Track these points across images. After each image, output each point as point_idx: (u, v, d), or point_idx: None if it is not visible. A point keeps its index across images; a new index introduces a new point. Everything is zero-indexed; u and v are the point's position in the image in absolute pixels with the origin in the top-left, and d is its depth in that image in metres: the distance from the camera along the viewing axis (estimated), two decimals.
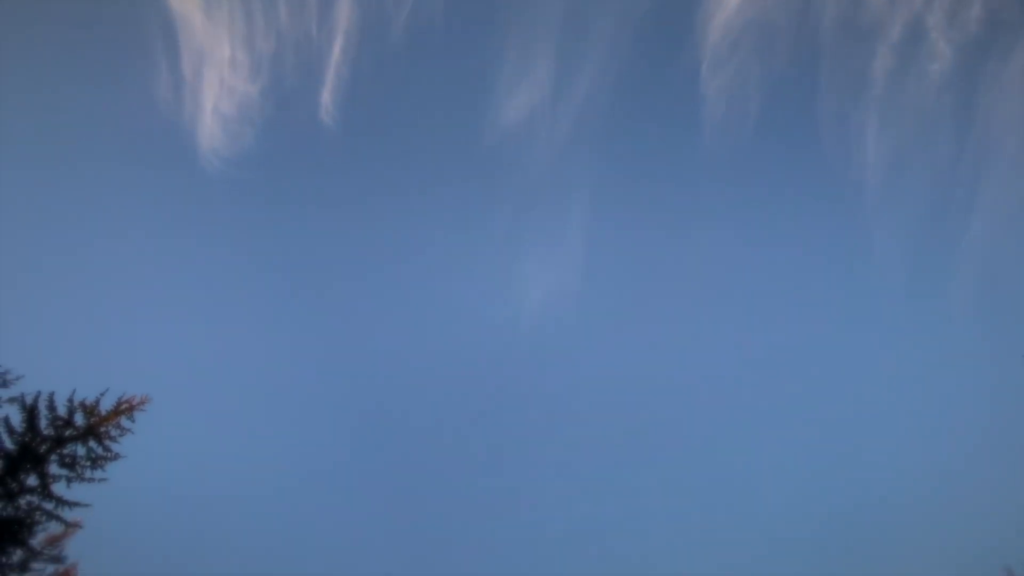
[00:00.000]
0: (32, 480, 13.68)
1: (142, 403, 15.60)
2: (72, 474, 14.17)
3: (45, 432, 14.02)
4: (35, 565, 13.80)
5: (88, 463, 14.39)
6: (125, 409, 15.31)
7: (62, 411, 14.39)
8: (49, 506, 13.68)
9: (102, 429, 14.75)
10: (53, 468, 13.99)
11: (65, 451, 14.15)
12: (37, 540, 13.68)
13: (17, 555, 13.39)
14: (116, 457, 14.86)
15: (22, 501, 13.43)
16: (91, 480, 14.45)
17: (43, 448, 13.91)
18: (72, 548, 15.04)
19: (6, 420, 13.62)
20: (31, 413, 13.89)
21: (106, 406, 15.09)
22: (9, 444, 13.55)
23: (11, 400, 13.61)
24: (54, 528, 13.86)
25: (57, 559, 14.07)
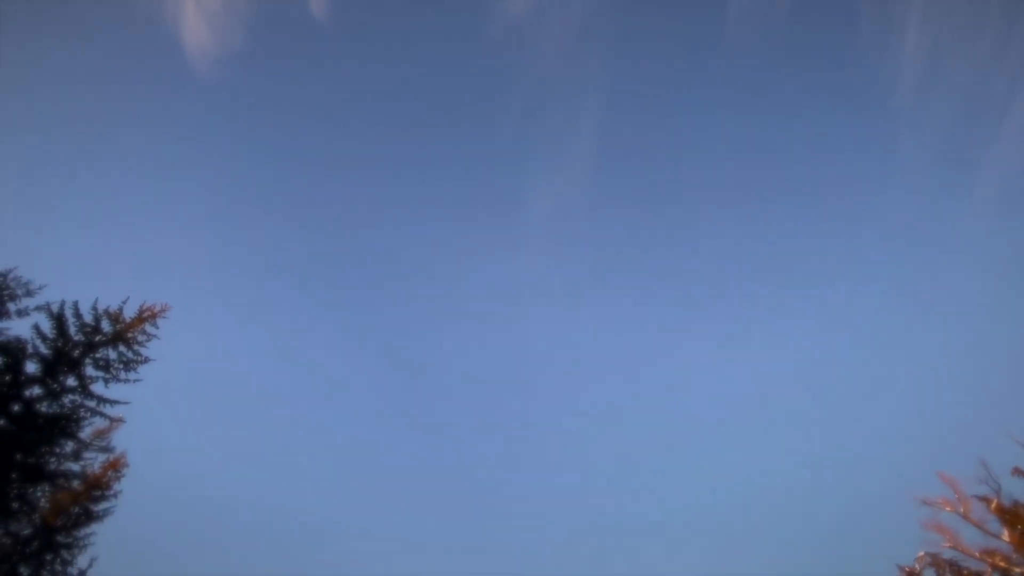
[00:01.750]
0: (71, 381, 14.69)
1: (163, 311, 16.42)
2: (108, 375, 15.21)
3: (76, 338, 14.85)
4: (86, 455, 15.22)
5: (121, 366, 15.40)
6: (148, 316, 16.13)
7: (88, 318, 15.15)
8: (91, 404, 14.83)
9: (129, 335, 15.63)
10: (89, 370, 14.98)
11: (98, 355, 15.07)
12: (85, 433, 14.98)
13: (69, 446, 14.72)
14: (146, 360, 15.90)
15: (66, 400, 14.51)
16: (126, 381, 15.57)
17: (76, 353, 14.79)
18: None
19: (37, 327, 14.34)
20: (59, 320, 14.61)
21: (128, 313, 15.93)
22: (44, 349, 14.38)
23: (38, 308, 14.24)
24: (100, 423, 15.16)
25: (106, 449, 15.49)
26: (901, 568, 20.42)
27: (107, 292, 15.51)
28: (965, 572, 17.54)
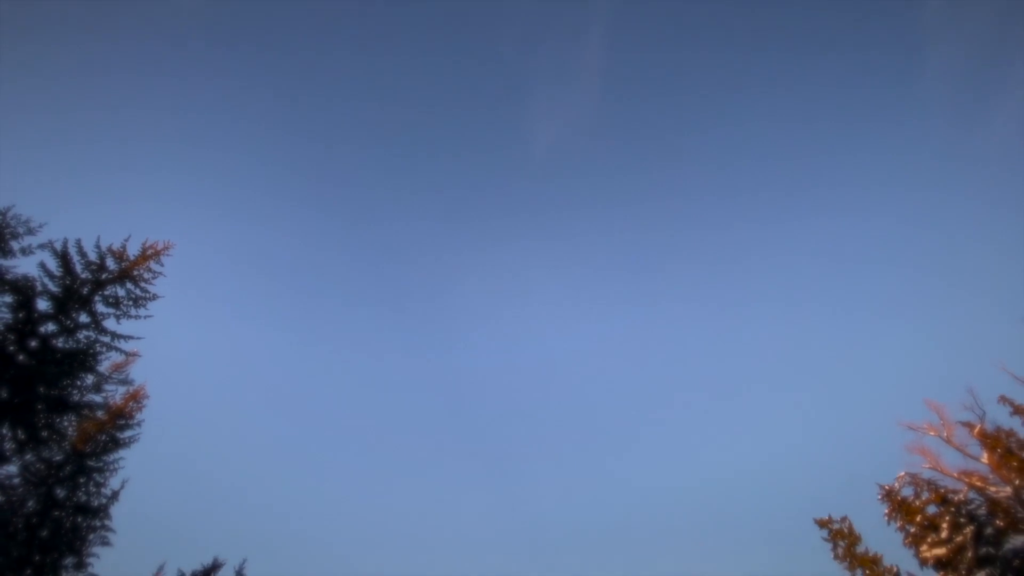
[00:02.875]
0: (84, 318, 15.01)
1: (166, 248, 16.45)
2: (118, 312, 15.51)
3: (83, 276, 15.00)
4: (107, 387, 15.86)
5: (130, 302, 15.66)
6: (151, 254, 16.19)
7: (93, 256, 15.23)
8: (106, 339, 15.23)
9: (135, 272, 15.76)
10: (100, 307, 15.26)
11: (107, 292, 15.29)
12: (104, 367, 15.52)
13: (89, 379, 15.29)
14: (154, 297, 16.14)
15: (81, 336, 14.89)
16: (136, 317, 15.88)
17: (85, 290, 14.99)
18: None
19: (43, 265, 14.44)
20: (64, 258, 14.69)
21: (132, 251, 15.98)
22: (53, 287, 14.56)
23: (42, 246, 14.26)
24: (116, 357, 15.66)
25: (125, 382, 16.14)
26: (881, 487, 21.63)
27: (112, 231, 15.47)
28: (942, 490, 18.60)
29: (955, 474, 21.14)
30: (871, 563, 19.72)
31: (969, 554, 15.76)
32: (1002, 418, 20.59)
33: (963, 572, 16.09)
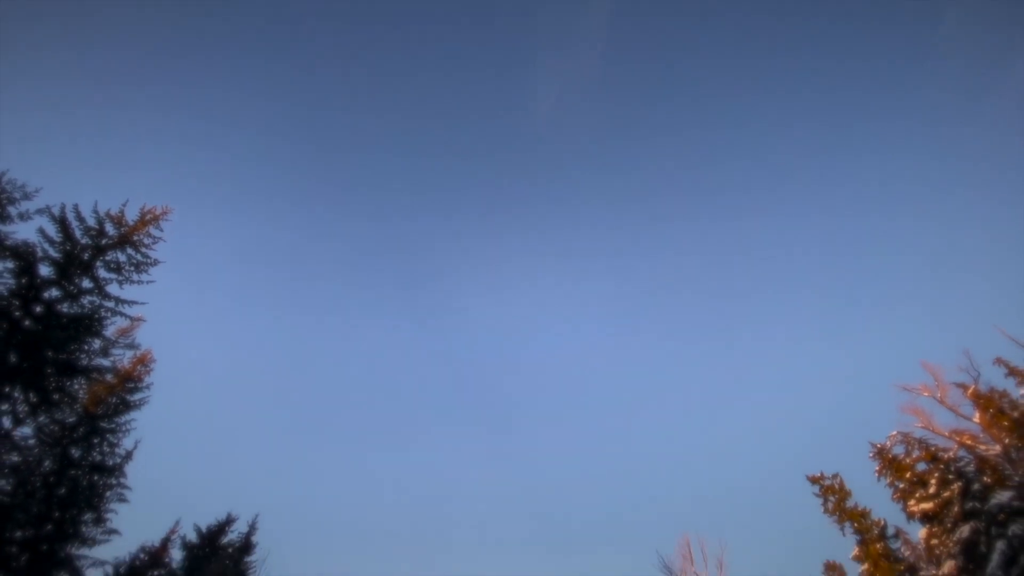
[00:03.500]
0: (87, 283, 15.04)
1: (164, 213, 16.31)
2: (121, 277, 15.54)
3: (82, 241, 14.93)
4: (114, 351, 16.05)
5: (132, 268, 15.67)
6: (150, 219, 16.07)
7: (91, 222, 15.12)
8: (110, 304, 15.32)
9: (135, 238, 15.69)
10: (102, 272, 15.26)
11: (108, 258, 15.26)
12: (110, 332, 15.66)
13: (96, 344, 15.46)
14: (155, 263, 16.14)
15: (85, 301, 14.97)
16: (139, 283, 15.92)
17: (86, 256, 14.96)
18: None
19: (42, 231, 14.36)
20: (63, 224, 14.59)
21: (130, 216, 15.85)
22: (53, 253, 14.53)
23: (39, 212, 14.14)
24: (121, 322, 15.77)
25: (131, 346, 16.30)
26: (873, 444, 22.19)
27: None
28: (933, 448, 19.08)
29: (946, 433, 21.64)
30: (859, 516, 20.46)
31: (955, 508, 16.30)
32: (997, 380, 20.89)
33: (948, 525, 16.69)
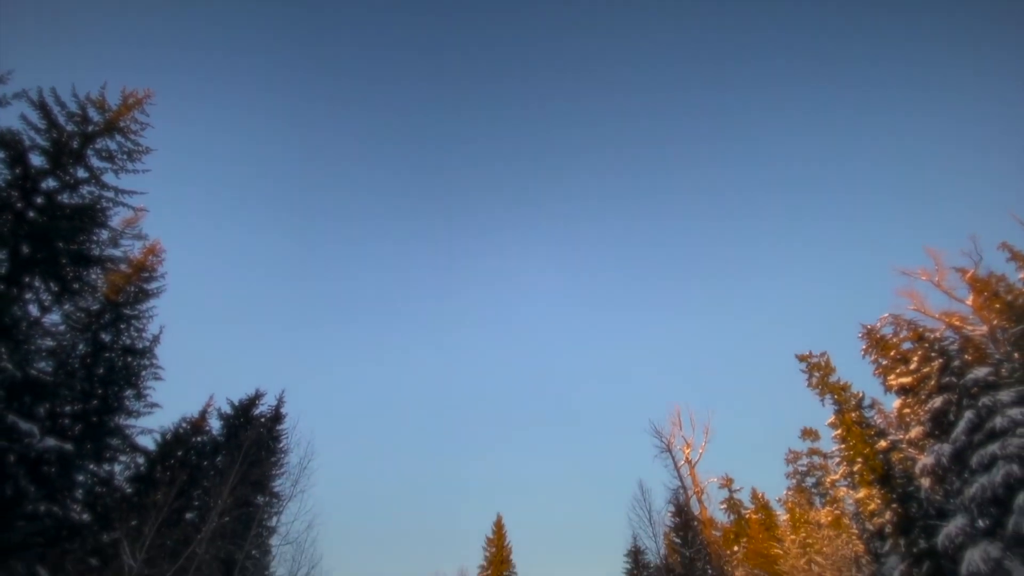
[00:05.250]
0: (82, 173, 14.69)
1: (147, 96, 15.40)
2: (114, 166, 15.14)
3: (68, 128, 14.30)
4: (123, 242, 16.18)
5: (124, 156, 15.20)
6: (133, 103, 15.22)
7: (73, 107, 14.34)
8: (109, 195, 15.10)
9: (121, 124, 15.00)
10: (95, 161, 14.84)
11: (98, 146, 14.73)
12: (115, 223, 15.65)
13: (105, 234, 15.54)
14: (147, 151, 15.59)
15: (84, 191, 14.75)
16: (134, 172, 15.55)
17: (75, 143, 14.43)
18: None
19: (25, 118, 13.69)
20: (44, 109, 13.86)
21: (112, 101, 15.01)
22: (41, 141, 13.99)
23: (16, 96, 13.34)
24: (125, 213, 15.71)
25: (139, 236, 16.42)
26: (863, 326, 23.11)
27: None
28: (920, 329, 19.89)
29: (936, 315, 22.41)
30: (840, 390, 22.03)
31: (932, 382, 17.45)
32: (998, 265, 21.04)
33: (923, 397, 18.01)
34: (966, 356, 16.71)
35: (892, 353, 21.22)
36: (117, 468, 16.40)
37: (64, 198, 14.41)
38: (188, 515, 17.02)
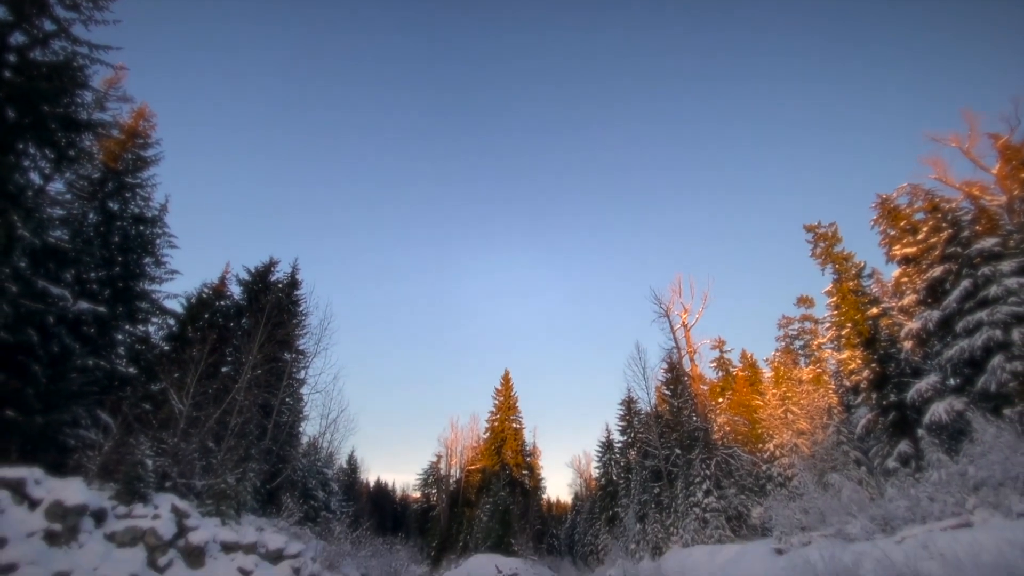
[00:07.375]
0: (49, 25, 13.42)
1: None
2: (82, 16, 13.77)
3: None
4: (109, 105, 15.40)
5: (90, 3, 13.73)
6: None
7: None
8: (84, 50, 13.96)
9: None
10: (59, 11, 13.47)
11: None
12: (96, 83, 14.70)
13: (88, 96, 14.71)
14: None
15: (56, 46, 13.62)
16: (103, 22, 14.17)
17: None
18: None
19: None
20: None
21: None
22: None
23: None
24: (105, 72, 14.65)
25: (125, 98, 15.55)
26: (879, 195, 22.56)
27: None
28: (937, 199, 19.42)
29: (957, 184, 21.69)
30: (842, 259, 22.24)
31: (936, 252, 17.52)
32: None
33: (923, 267, 18.23)
34: (977, 227, 16.52)
35: (902, 223, 21.00)
36: (151, 329, 17.63)
37: (37, 55, 13.38)
38: (224, 368, 18.69)
